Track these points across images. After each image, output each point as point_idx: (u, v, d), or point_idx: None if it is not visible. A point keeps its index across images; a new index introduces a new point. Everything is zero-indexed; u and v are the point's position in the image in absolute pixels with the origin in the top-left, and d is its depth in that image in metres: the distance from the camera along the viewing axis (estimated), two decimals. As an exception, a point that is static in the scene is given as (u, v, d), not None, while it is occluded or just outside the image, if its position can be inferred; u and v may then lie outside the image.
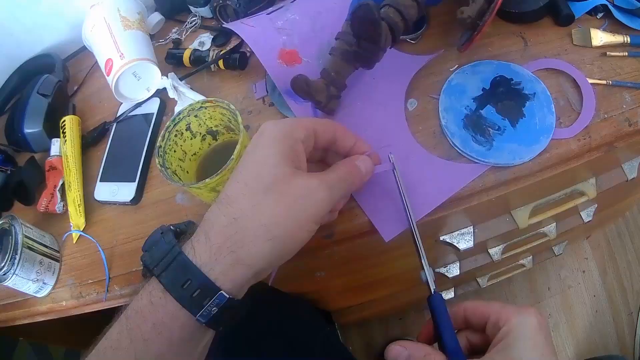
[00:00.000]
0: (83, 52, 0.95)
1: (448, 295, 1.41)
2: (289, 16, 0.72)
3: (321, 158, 0.57)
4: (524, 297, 1.72)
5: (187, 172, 0.64)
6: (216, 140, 0.67)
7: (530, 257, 1.36)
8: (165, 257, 0.44)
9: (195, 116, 0.62)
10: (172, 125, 0.60)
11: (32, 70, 0.91)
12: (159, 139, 0.59)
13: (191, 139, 0.64)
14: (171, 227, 0.49)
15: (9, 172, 0.79)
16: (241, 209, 0.44)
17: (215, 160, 0.65)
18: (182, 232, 0.50)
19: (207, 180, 0.53)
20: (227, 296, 0.43)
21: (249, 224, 0.44)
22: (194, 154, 0.65)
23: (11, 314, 0.73)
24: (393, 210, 0.59)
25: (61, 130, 0.79)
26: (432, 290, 0.50)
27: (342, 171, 0.50)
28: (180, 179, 0.60)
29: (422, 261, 0.53)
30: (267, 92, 0.73)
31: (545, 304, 1.70)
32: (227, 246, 0.43)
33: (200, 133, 0.64)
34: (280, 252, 0.45)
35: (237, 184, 0.46)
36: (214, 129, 0.65)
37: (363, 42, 0.56)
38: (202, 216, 0.47)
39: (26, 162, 0.80)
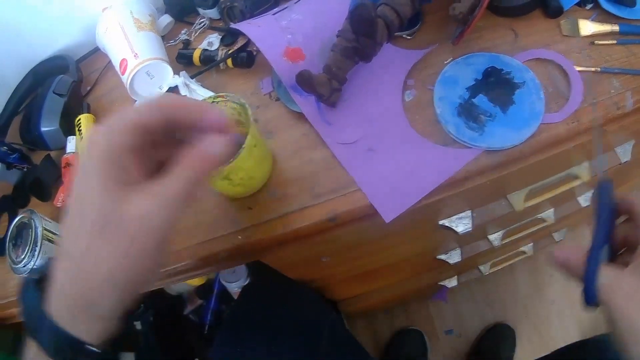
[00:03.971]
0: (94, 54, 1.01)
1: (451, 283, 1.46)
2: (292, 16, 0.78)
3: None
4: (526, 285, 1.77)
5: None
6: (227, 133, 0.73)
7: (531, 244, 1.41)
8: (35, 318, 0.43)
9: (208, 111, 0.68)
10: (186, 120, 0.67)
11: (45, 72, 0.97)
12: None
13: (203, 132, 0.70)
14: (34, 277, 0.46)
15: (25, 169, 0.85)
16: (78, 262, 0.41)
17: (227, 152, 0.72)
18: (45, 277, 0.45)
19: (220, 167, 0.59)
20: (96, 351, 0.42)
21: (93, 276, 0.40)
22: (206, 146, 0.71)
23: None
24: (393, 192, 0.66)
25: (77, 128, 0.85)
26: (602, 179, 0.50)
27: (184, 174, 0.42)
28: (194, 169, 0.66)
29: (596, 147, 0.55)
30: (274, 87, 0.79)
31: (549, 291, 1.75)
32: (81, 307, 0.41)
33: (211, 127, 0.70)
34: (133, 291, 0.43)
35: (69, 230, 0.42)
36: (225, 122, 0.71)
37: (361, 37, 0.63)
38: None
39: (43, 159, 0.85)
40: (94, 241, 0.40)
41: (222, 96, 0.66)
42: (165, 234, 0.41)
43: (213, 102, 0.67)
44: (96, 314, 0.42)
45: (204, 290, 1.38)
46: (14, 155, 0.86)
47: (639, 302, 0.43)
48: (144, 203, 0.40)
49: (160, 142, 0.46)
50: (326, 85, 0.68)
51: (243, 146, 0.59)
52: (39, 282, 0.45)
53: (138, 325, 1.27)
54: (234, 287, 1.24)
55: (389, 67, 0.76)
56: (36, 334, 0.42)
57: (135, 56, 0.80)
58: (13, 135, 0.94)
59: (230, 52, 0.83)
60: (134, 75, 0.79)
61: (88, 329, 0.42)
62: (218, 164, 0.44)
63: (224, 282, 1.25)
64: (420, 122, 0.71)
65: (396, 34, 0.77)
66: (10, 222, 0.81)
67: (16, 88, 0.98)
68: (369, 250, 0.94)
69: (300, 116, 0.75)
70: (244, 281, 1.22)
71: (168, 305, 1.38)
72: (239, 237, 0.68)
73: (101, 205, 0.40)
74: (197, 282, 1.29)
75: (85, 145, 0.41)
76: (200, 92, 0.79)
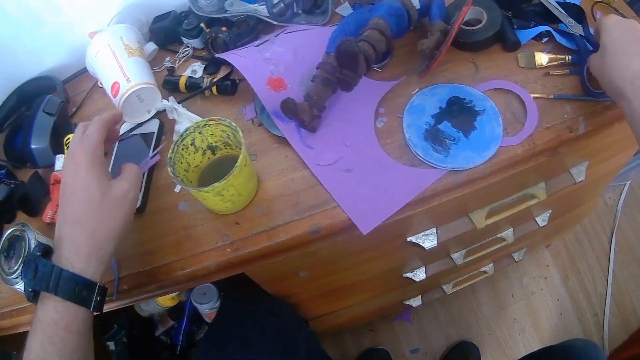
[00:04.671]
0: (79, 76, 1.07)
1: (416, 302, 1.55)
2: (274, 49, 0.88)
3: None
4: (488, 304, 1.88)
5: (191, 181, 0.78)
6: (214, 154, 0.81)
7: (492, 263, 1.51)
8: (51, 278, 0.60)
9: (200, 132, 0.76)
10: (180, 140, 0.75)
11: (31, 91, 1.02)
12: (169, 151, 0.73)
13: (194, 152, 0.78)
14: (38, 253, 0.65)
15: (12, 185, 0.87)
16: (92, 225, 0.63)
17: (213, 173, 0.80)
18: (48, 250, 0.66)
19: (215, 184, 0.67)
20: (102, 286, 0.64)
21: (101, 234, 0.64)
22: (196, 166, 0.79)
23: (17, 319, 0.81)
24: (369, 208, 0.75)
25: (66, 147, 0.90)
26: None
27: (132, 171, 0.70)
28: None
29: None
30: (257, 114, 0.88)
31: (510, 310, 1.86)
32: (93, 253, 0.63)
33: (202, 148, 0.78)
34: (121, 241, 0.67)
35: (81, 206, 0.64)
36: (214, 144, 0.79)
37: (344, 70, 0.72)
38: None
39: (31, 175, 0.89)
40: (101, 212, 0.64)
41: (214, 120, 0.75)
42: (135, 204, 0.69)
43: (205, 125, 0.75)
44: (102, 257, 0.64)
45: (175, 312, 1.42)
46: (1, 171, 0.89)
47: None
48: (122, 185, 0.67)
49: None
50: (307, 112, 0.78)
51: (236, 165, 0.67)
52: (43, 255, 0.64)
53: (112, 345, 1.32)
54: (205, 309, 1.29)
55: (363, 97, 0.85)
56: (56, 288, 0.59)
57: (127, 80, 0.87)
58: (-3, 153, 0.97)
59: (215, 80, 0.91)
60: (125, 98, 0.86)
61: (95, 271, 0.63)
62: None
63: (195, 304, 1.30)
64: (391, 145, 0.81)
65: (370, 66, 0.87)
66: (-1, 235, 0.85)
67: (1, 106, 1.02)
68: (344, 265, 1.02)
69: (282, 140, 0.83)
70: (214, 303, 1.27)
71: (140, 326, 1.42)
72: (228, 249, 0.75)
73: (99, 191, 0.64)
74: (169, 303, 1.33)
75: (78, 160, 0.66)
76: (188, 117, 0.87)
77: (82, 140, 0.67)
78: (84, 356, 0.62)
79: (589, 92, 0.78)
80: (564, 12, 0.86)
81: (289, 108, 0.78)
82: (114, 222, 0.65)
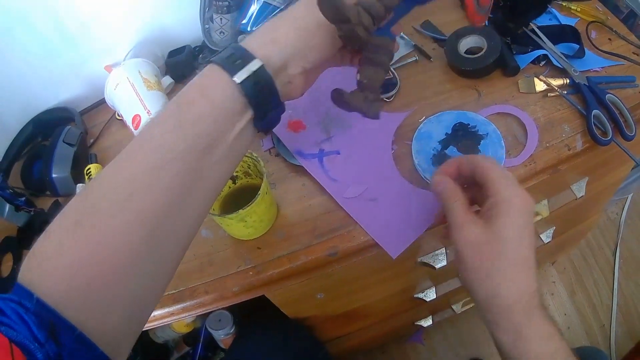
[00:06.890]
0: (96, 108, 1.14)
1: (427, 322, 1.61)
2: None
3: None
4: (496, 321, 1.93)
5: (213, 209, 0.84)
6: (235, 183, 0.88)
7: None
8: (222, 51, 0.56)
9: (222, 163, 0.83)
10: (203, 171, 0.82)
11: (46, 122, 1.08)
12: (194, 181, 0.80)
13: (216, 182, 0.84)
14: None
15: (32, 212, 0.94)
16: (285, 12, 0.60)
17: (233, 201, 0.86)
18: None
19: (240, 211, 0.73)
20: (261, 63, 0.54)
21: (286, 15, 0.59)
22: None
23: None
24: (395, 233, 0.81)
25: (87, 177, 0.96)
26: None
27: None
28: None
29: None
30: (273, 144, 0.94)
31: (519, 327, 1.91)
32: (267, 28, 0.58)
33: (223, 178, 0.85)
34: (304, 44, 0.59)
35: (290, 16, 0.60)
36: (235, 174, 0.86)
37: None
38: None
39: (52, 204, 0.96)
40: (301, 6, 0.59)
41: (235, 151, 0.82)
42: (326, 53, 0.61)
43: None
44: (274, 37, 0.57)
45: (190, 338, 1.47)
46: (21, 199, 0.94)
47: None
48: None
49: None
50: (360, 98, 0.67)
51: (258, 193, 0.74)
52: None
53: (127, 371, 1.37)
54: (220, 335, 1.34)
55: (379, 128, 0.92)
56: (217, 58, 0.55)
57: (148, 113, 0.94)
58: (13, 180, 1.03)
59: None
60: (147, 131, 0.93)
61: (260, 45, 0.56)
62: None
63: (210, 330, 1.34)
64: (403, 171, 0.87)
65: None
66: (15, 262, 0.91)
67: (17, 135, 1.08)
68: (359, 287, 1.07)
69: (299, 169, 0.90)
70: (229, 329, 1.32)
71: (154, 351, 1.46)
72: (251, 272, 0.81)
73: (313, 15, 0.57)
74: (184, 329, 1.38)
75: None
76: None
77: None
78: (208, 144, 0.53)
79: (597, 139, 0.84)
80: (567, 61, 0.94)
81: (338, 99, 0.71)
82: (301, 14, 0.59)
